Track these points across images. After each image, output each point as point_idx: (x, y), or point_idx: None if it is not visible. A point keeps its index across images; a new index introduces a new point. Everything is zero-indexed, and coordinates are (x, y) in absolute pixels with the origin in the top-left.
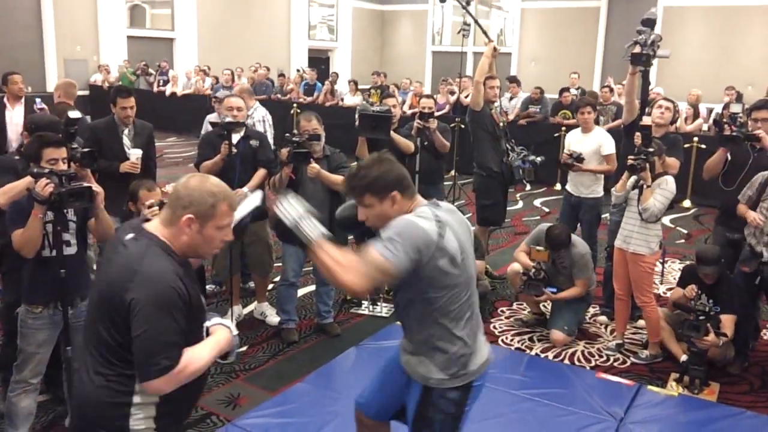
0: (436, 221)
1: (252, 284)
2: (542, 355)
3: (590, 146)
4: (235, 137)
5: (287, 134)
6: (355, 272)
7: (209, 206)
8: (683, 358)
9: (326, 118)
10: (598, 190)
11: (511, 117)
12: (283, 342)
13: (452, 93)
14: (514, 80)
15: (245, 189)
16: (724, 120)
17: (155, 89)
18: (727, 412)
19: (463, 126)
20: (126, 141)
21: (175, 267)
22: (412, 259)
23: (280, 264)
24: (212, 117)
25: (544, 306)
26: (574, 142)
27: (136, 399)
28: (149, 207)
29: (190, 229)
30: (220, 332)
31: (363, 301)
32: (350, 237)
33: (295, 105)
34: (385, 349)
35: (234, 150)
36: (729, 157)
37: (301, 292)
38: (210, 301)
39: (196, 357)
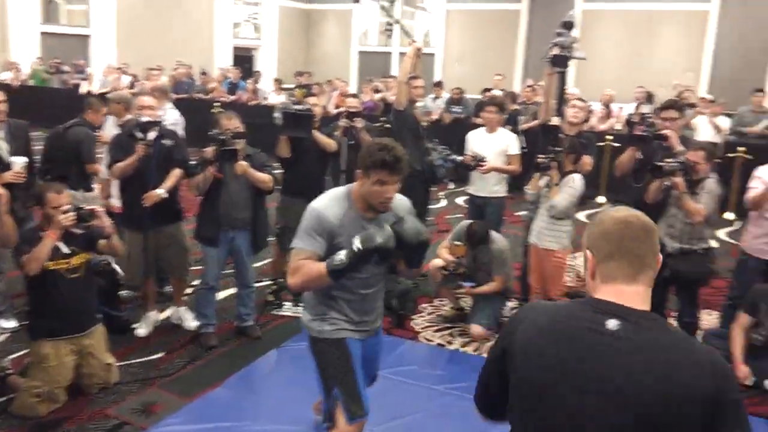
0: None
1: (169, 288)
2: (462, 350)
3: (496, 146)
4: (149, 137)
5: (211, 132)
6: None
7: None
8: None
9: (249, 117)
10: (502, 191)
11: (435, 117)
12: (201, 347)
13: (377, 91)
14: (438, 84)
15: (160, 190)
16: (635, 120)
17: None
18: None
19: (389, 125)
20: (2, 144)
21: None
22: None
23: (199, 267)
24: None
25: (464, 302)
26: (479, 141)
27: None
28: (64, 213)
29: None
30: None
31: (285, 302)
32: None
33: (217, 104)
34: (308, 350)
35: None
36: (639, 155)
37: (220, 295)
38: (124, 307)
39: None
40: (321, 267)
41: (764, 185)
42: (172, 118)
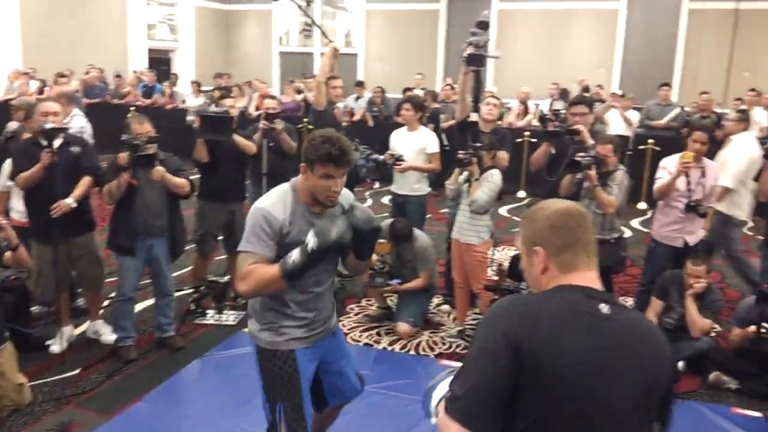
0: None
1: (82, 302)
2: (389, 348)
3: (415, 145)
4: (55, 144)
5: (124, 138)
6: None
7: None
8: None
9: (165, 120)
10: (423, 189)
11: (357, 117)
12: (120, 361)
13: (299, 92)
14: (359, 84)
15: (69, 200)
16: (548, 116)
17: None
18: None
19: (311, 127)
20: None
21: None
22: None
23: (115, 278)
24: (13, 125)
25: (390, 300)
26: (399, 140)
27: None
28: None
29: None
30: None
31: (208, 310)
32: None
33: (132, 108)
34: (233, 358)
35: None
36: (553, 150)
37: (139, 306)
38: (36, 324)
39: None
40: (274, 270)
41: (669, 175)
42: (78, 125)
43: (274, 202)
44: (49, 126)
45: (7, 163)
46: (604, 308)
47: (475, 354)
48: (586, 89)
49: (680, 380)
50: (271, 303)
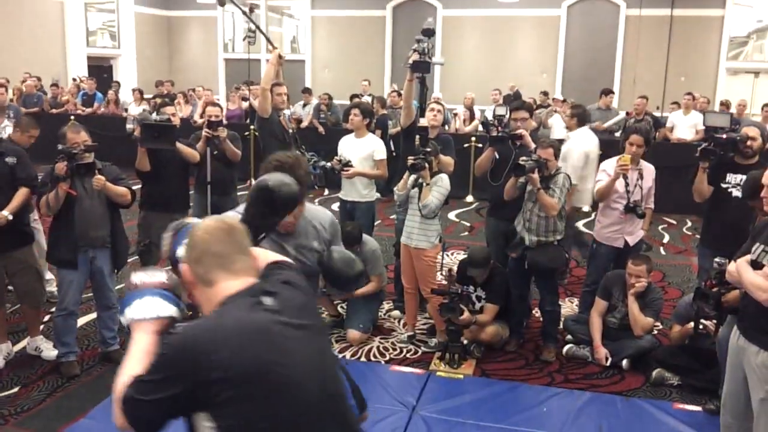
0: None
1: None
2: (340, 356)
3: (363, 151)
4: None
5: (60, 147)
6: None
7: None
8: (464, 339)
9: (106, 129)
10: (371, 195)
11: (305, 123)
12: (62, 377)
13: (244, 99)
14: (306, 91)
15: (5, 212)
16: (491, 121)
17: None
18: (506, 386)
19: (257, 134)
20: None
21: None
22: None
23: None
24: None
25: (341, 307)
26: (347, 146)
27: None
28: None
29: None
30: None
31: None
32: None
33: (72, 117)
34: None
35: None
36: (497, 155)
37: (81, 321)
38: None
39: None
40: None
41: (609, 177)
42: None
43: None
44: None
45: None
46: (268, 300)
47: (155, 377)
48: (517, 94)
49: (624, 378)
50: None
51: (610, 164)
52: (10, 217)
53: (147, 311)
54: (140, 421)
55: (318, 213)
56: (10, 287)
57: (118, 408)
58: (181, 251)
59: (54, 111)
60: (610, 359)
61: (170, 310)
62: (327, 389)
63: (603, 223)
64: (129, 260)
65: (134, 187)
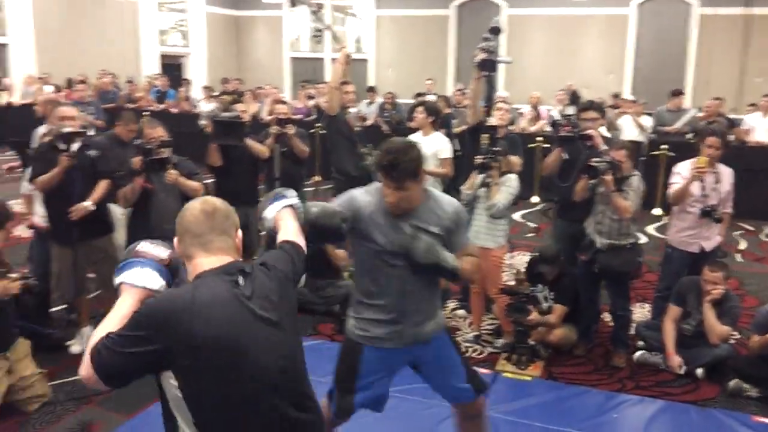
0: None
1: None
2: None
3: (428, 150)
4: (73, 148)
5: (137, 142)
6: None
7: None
8: (531, 340)
9: (176, 125)
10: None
11: (369, 122)
12: None
13: (311, 98)
14: (371, 89)
15: (88, 202)
16: (560, 121)
17: None
18: (575, 390)
19: (323, 132)
20: None
21: None
22: None
23: None
24: (42, 129)
25: None
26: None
27: None
28: None
29: None
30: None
31: None
32: None
33: (146, 113)
34: None
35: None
36: (565, 156)
37: None
38: (56, 325)
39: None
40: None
41: (684, 180)
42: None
43: (364, 192)
44: (67, 130)
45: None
46: (241, 280)
47: (130, 333)
48: (574, 94)
49: (699, 387)
50: (359, 295)
51: (685, 166)
52: (93, 207)
53: (139, 279)
54: (109, 373)
55: (444, 201)
56: (91, 275)
57: (89, 358)
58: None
59: (130, 105)
60: (684, 367)
61: (159, 284)
62: (286, 373)
63: (678, 227)
64: None
65: (207, 182)
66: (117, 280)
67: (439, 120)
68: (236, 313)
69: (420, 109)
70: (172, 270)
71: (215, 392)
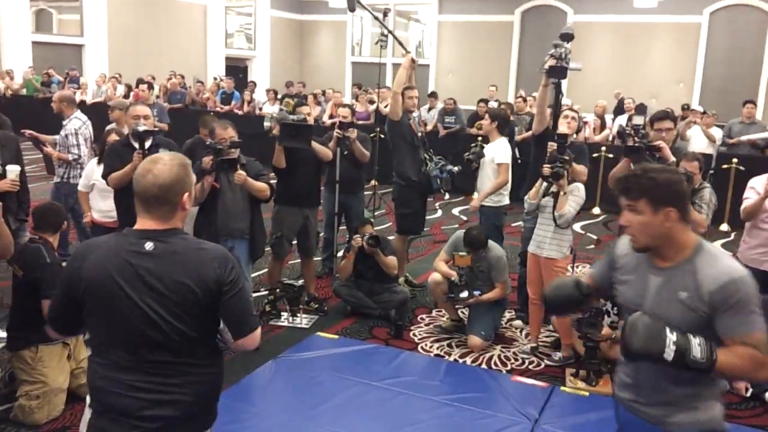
0: None
1: None
2: (461, 361)
3: (488, 155)
4: (146, 146)
5: (208, 142)
6: (763, 364)
7: (190, 176)
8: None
9: (244, 126)
10: (502, 200)
11: (429, 127)
12: None
13: (371, 102)
14: (432, 95)
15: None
16: (628, 131)
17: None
18: None
19: (383, 136)
20: None
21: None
22: None
23: None
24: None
25: (462, 312)
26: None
27: None
28: None
29: (190, 202)
30: None
31: (282, 312)
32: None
33: (212, 113)
34: (305, 361)
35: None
36: (632, 167)
37: None
38: None
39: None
40: None
41: (758, 195)
42: (72, 127)
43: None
44: (141, 128)
45: (91, 164)
46: (149, 245)
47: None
48: (621, 102)
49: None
50: None
51: (760, 181)
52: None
53: None
54: (53, 320)
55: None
56: None
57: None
58: None
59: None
60: (750, 390)
61: None
62: (146, 337)
63: (750, 243)
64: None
65: (272, 182)
66: None
67: (506, 126)
68: (124, 266)
69: (486, 116)
70: None
71: (95, 324)
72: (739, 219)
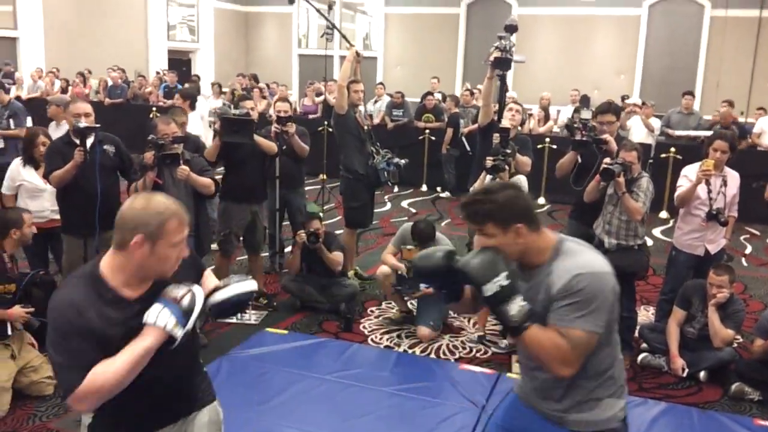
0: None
1: None
2: (410, 351)
3: None
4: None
5: (150, 137)
6: (565, 359)
7: (157, 225)
8: None
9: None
10: None
11: (377, 120)
12: None
13: (319, 94)
14: (380, 85)
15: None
16: (576, 125)
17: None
18: None
19: (331, 129)
20: None
21: (83, 296)
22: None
23: None
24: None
25: (411, 304)
26: None
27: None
28: None
29: (142, 250)
30: (144, 338)
31: None
32: (423, 286)
33: (154, 108)
34: (254, 357)
35: (88, 157)
36: (579, 159)
37: None
38: None
39: (100, 372)
40: None
41: (690, 183)
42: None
43: None
44: (82, 125)
45: (15, 165)
46: None
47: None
48: (584, 97)
49: (702, 390)
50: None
51: (692, 169)
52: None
53: (166, 322)
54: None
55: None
56: None
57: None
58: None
59: (138, 103)
60: (686, 370)
61: (179, 333)
62: None
63: (683, 229)
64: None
65: (217, 178)
66: (147, 318)
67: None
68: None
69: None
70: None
71: None
72: (675, 206)
